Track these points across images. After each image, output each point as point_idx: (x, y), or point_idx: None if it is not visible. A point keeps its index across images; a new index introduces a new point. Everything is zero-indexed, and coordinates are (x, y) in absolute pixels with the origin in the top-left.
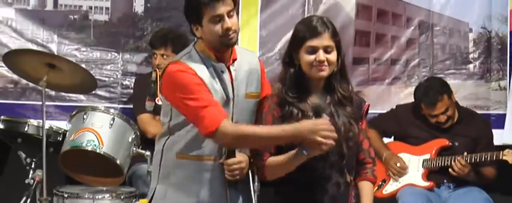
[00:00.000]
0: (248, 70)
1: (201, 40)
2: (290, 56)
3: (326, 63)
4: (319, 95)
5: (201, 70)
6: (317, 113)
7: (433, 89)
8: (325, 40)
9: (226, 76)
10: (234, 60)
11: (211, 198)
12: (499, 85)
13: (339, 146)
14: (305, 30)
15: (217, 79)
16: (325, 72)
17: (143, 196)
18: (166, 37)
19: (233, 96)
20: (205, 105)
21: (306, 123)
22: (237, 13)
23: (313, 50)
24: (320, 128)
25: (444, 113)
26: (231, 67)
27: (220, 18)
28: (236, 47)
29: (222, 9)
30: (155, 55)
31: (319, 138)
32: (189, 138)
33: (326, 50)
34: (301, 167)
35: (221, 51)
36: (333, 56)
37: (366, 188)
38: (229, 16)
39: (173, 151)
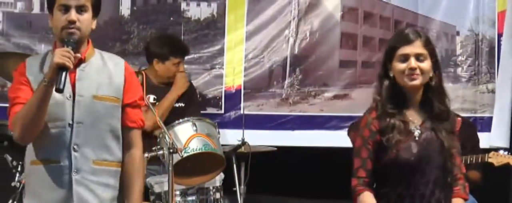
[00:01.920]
0: (105, 72)
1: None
2: (385, 68)
3: (418, 71)
4: (416, 109)
5: (36, 66)
6: None
7: None
8: (417, 48)
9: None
10: (82, 60)
11: (58, 200)
12: (487, 88)
13: (444, 162)
14: (396, 39)
15: None
16: (417, 81)
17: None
18: (185, 49)
19: (74, 96)
20: (14, 102)
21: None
22: (224, 17)
23: (405, 58)
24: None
25: None
26: (77, 67)
27: (66, 8)
28: (97, 50)
29: (72, 1)
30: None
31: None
32: (37, 142)
33: (418, 58)
34: (405, 182)
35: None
36: (426, 65)
37: None
38: (78, 11)
39: (28, 160)
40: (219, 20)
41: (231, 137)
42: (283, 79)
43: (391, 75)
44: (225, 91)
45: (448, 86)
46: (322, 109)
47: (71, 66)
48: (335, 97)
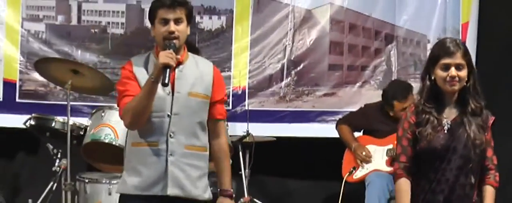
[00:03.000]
0: (197, 73)
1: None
2: (427, 72)
3: (457, 78)
4: (452, 106)
5: (141, 67)
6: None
7: (402, 86)
8: (457, 59)
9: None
10: (180, 63)
11: (154, 178)
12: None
13: (468, 151)
14: (440, 50)
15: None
16: (456, 87)
17: None
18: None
19: (173, 92)
20: (124, 95)
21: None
22: (231, 28)
23: (447, 67)
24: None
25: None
26: (176, 68)
27: (166, 21)
28: (190, 54)
29: (172, 14)
30: None
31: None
32: (141, 128)
33: (458, 67)
34: (433, 168)
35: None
36: (463, 73)
37: (488, 191)
38: (176, 23)
39: (129, 141)
40: (228, 31)
41: (237, 129)
42: (281, 80)
43: (433, 77)
44: (232, 90)
45: (418, 86)
46: (314, 105)
47: (174, 65)
48: (325, 95)
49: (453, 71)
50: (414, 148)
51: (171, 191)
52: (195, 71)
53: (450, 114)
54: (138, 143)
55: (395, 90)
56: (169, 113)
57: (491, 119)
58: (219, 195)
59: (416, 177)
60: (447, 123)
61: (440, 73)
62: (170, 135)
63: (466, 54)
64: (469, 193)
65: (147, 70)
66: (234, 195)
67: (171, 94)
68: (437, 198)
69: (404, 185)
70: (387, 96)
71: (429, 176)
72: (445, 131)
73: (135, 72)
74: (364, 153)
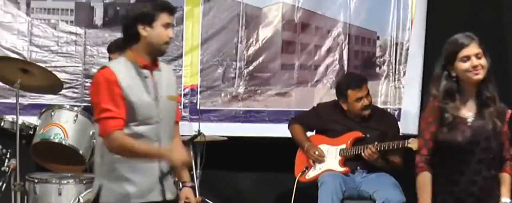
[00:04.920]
0: (167, 77)
1: (131, 49)
2: (445, 70)
3: (480, 66)
4: (473, 101)
5: (124, 74)
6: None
7: (356, 76)
8: (474, 48)
9: (149, 80)
10: (156, 67)
11: (149, 185)
12: (398, 84)
13: (489, 144)
14: (455, 45)
15: (140, 82)
16: (480, 75)
17: None
18: (121, 43)
19: (157, 97)
20: (107, 112)
21: (164, 150)
22: (182, 25)
23: (467, 58)
24: (173, 154)
25: (367, 96)
26: (154, 73)
27: (169, 26)
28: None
29: (172, 19)
30: (111, 59)
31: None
32: (133, 137)
33: (477, 56)
34: (458, 160)
35: (150, 58)
36: (484, 61)
37: (505, 178)
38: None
39: None
40: (178, 28)
41: (189, 128)
42: (233, 79)
43: (454, 74)
44: (184, 89)
45: (370, 83)
46: (266, 105)
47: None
48: (277, 94)
49: (474, 60)
50: (435, 142)
51: (168, 196)
52: (165, 74)
53: (471, 108)
54: None
55: (349, 80)
56: (158, 119)
57: (509, 113)
58: (182, 187)
59: (439, 171)
60: (471, 117)
61: (461, 65)
62: (159, 141)
63: (480, 43)
64: (491, 185)
65: (130, 77)
66: None
67: (156, 99)
68: (461, 191)
69: (427, 178)
70: (341, 87)
71: (454, 169)
72: (468, 125)
73: (121, 82)
74: (317, 152)
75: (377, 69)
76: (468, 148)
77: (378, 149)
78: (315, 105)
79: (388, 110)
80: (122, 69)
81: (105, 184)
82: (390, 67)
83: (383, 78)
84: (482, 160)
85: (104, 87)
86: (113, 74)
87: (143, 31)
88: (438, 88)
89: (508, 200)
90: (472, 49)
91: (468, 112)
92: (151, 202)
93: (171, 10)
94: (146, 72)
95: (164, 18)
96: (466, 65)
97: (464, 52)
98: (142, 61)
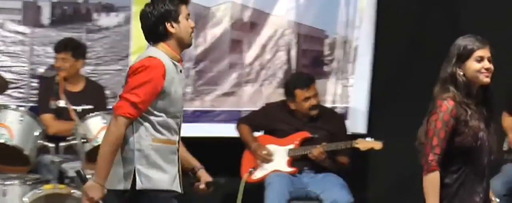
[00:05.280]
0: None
1: (165, 43)
2: (457, 67)
3: (490, 70)
4: (481, 102)
5: (168, 67)
6: None
7: (304, 76)
8: (488, 51)
9: (182, 75)
10: (182, 62)
11: (174, 175)
12: (347, 82)
13: (492, 144)
14: (473, 44)
15: (177, 76)
16: (489, 79)
17: (47, 182)
18: (67, 43)
19: (183, 92)
20: (137, 97)
21: (98, 181)
22: (129, 25)
23: (481, 59)
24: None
25: (315, 96)
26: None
27: (189, 16)
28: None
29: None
30: (57, 59)
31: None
32: (164, 126)
33: (489, 59)
34: (472, 160)
35: (180, 51)
36: (492, 66)
37: None
38: None
39: (148, 137)
40: (125, 28)
41: None
42: None
43: (461, 73)
44: None
45: (318, 82)
46: (213, 105)
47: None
48: (224, 94)
49: (487, 63)
50: (450, 142)
51: (182, 190)
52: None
53: (480, 112)
54: (162, 140)
55: (297, 79)
56: (181, 114)
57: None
58: (198, 170)
59: (453, 170)
60: (482, 120)
61: (474, 65)
62: (178, 135)
63: (491, 48)
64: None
65: (171, 71)
66: None
67: (183, 94)
68: (477, 191)
69: (437, 178)
70: (289, 87)
71: (468, 168)
72: (481, 126)
73: (167, 75)
74: (264, 152)
75: (326, 68)
76: (483, 148)
77: (326, 149)
78: (263, 104)
79: (337, 109)
80: (167, 62)
81: (140, 169)
82: (339, 65)
83: (331, 77)
84: (489, 161)
85: (151, 75)
86: (163, 67)
87: (171, 28)
88: (455, 87)
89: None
90: (487, 51)
91: (478, 115)
92: (174, 192)
93: (188, 1)
94: (180, 66)
95: (184, 10)
96: (478, 66)
97: (480, 52)
98: (178, 55)
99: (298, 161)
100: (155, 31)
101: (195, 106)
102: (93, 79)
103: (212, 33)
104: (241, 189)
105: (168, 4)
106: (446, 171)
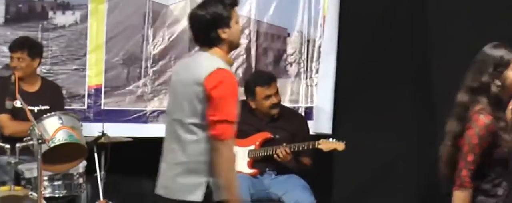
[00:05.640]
0: None
1: (217, 47)
2: (494, 78)
3: None
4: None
5: None
6: None
7: (265, 74)
8: None
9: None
10: None
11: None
12: (311, 82)
13: None
14: (508, 54)
15: None
16: None
17: (3, 183)
18: (23, 42)
19: None
20: (234, 117)
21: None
22: (86, 23)
23: None
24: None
25: (276, 95)
26: None
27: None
28: None
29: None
30: (13, 58)
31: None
32: None
33: None
34: (506, 171)
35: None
36: None
37: None
38: None
39: None
40: (82, 26)
41: (93, 129)
42: (139, 78)
43: (499, 83)
44: (88, 89)
45: (280, 81)
46: None
47: None
48: None
49: None
50: (487, 155)
51: None
52: None
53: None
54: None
55: (258, 77)
56: None
57: None
58: None
59: (488, 180)
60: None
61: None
62: None
63: None
64: None
65: None
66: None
67: None
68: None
69: (468, 197)
70: (249, 85)
71: (502, 178)
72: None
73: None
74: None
75: (288, 67)
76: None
77: (289, 150)
78: None
79: (300, 109)
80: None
81: (213, 182)
82: (302, 64)
83: (294, 76)
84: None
85: (231, 89)
86: (235, 77)
87: (223, 33)
88: (487, 97)
89: None
90: None
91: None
92: None
93: (237, 4)
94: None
95: (235, 14)
96: None
97: None
98: (231, 60)
99: (259, 162)
100: (207, 36)
101: (153, 106)
102: (50, 78)
103: (170, 32)
104: None
105: (220, 9)
106: (484, 180)
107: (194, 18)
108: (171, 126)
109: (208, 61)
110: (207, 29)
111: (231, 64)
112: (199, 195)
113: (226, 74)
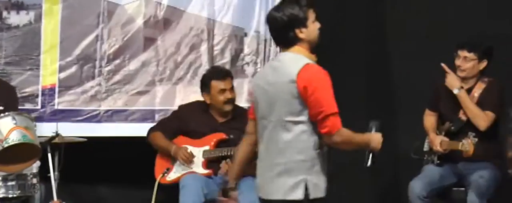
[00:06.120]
0: None
1: (298, 46)
2: None
3: None
4: None
5: None
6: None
7: (221, 68)
8: None
9: None
10: None
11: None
12: None
13: None
14: None
15: None
16: None
17: None
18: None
19: None
20: (336, 108)
21: (375, 136)
22: (40, 23)
23: None
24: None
25: (231, 91)
26: None
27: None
28: None
29: None
30: None
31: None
32: (318, 132)
33: None
34: None
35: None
36: None
37: None
38: None
39: (315, 145)
40: (36, 26)
41: (46, 129)
42: (93, 78)
43: None
44: (41, 89)
45: (238, 81)
46: (127, 104)
47: None
48: (138, 93)
49: None
50: None
51: None
52: None
53: None
54: (321, 146)
55: (213, 71)
56: None
57: None
58: None
59: None
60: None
61: None
62: None
63: None
64: None
65: None
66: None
67: None
68: None
69: None
70: (205, 79)
71: None
72: None
73: None
74: (189, 150)
75: (245, 67)
76: None
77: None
78: (178, 104)
79: None
80: None
81: (310, 179)
82: (259, 64)
83: (251, 76)
84: None
85: (330, 83)
86: (325, 71)
87: (300, 33)
88: None
89: None
90: None
91: None
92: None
93: (313, 4)
94: None
95: (312, 14)
96: None
97: None
98: (314, 57)
99: (213, 162)
100: (285, 37)
101: (107, 105)
102: (3, 79)
103: (125, 31)
104: (155, 190)
105: (296, 9)
106: None
107: (271, 20)
108: (266, 129)
109: (295, 59)
110: (284, 30)
111: (315, 61)
112: (299, 193)
113: (316, 68)
